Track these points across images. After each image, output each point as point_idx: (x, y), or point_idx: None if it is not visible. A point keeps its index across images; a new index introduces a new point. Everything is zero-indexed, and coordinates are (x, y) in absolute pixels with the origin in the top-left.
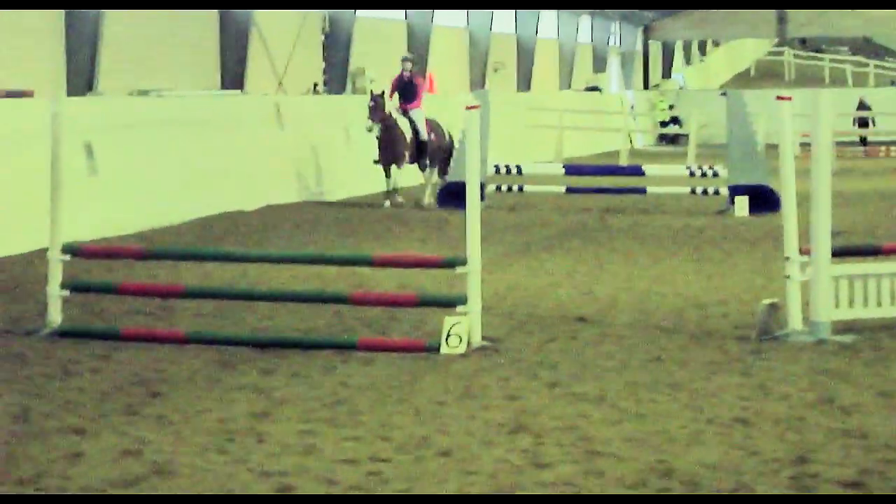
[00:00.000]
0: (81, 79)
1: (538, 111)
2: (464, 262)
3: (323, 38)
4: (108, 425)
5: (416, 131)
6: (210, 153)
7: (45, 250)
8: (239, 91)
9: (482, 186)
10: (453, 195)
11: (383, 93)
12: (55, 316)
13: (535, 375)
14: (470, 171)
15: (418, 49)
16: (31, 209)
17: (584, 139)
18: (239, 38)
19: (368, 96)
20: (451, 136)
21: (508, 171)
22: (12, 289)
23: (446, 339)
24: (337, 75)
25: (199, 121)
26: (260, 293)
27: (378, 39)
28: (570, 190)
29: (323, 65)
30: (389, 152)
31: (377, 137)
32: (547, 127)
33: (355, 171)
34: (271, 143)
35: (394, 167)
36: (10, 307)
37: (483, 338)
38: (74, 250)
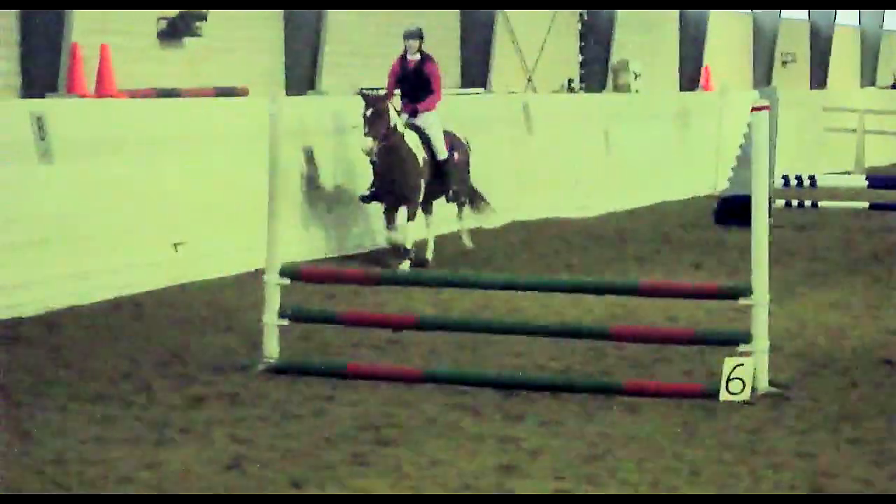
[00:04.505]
0: (301, 76)
1: (835, 112)
2: (748, 293)
3: (580, 27)
4: (333, 477)
5: (430, 148)
6: None
7: (259, 272)
8: (482, 89)
9: (769, 202)
10: (733, 212)
11: (385, 94)
12: (272, 349)
13: (834, 429)
14: (757, 183)
15: (692, 39)
16: (244, 225)
17: (891, 145)
18: (482, 29)
19: (363, 102)
20: (469, 148)
21: (800, 183)
22: (223, 317)
23: (727, 384)
24: (595, 70)
25: None
26: (505, 326)
27: (644, 28)
28: (874, 206)
29: (579, 58)
30: (393, 186)
31: (372, 162)
32: (846, 131)
33: (616, 182)
34: (518, 148)
35: (403, 211)
36: (220, 338)
37: (770, 383)
38: (294, 273)
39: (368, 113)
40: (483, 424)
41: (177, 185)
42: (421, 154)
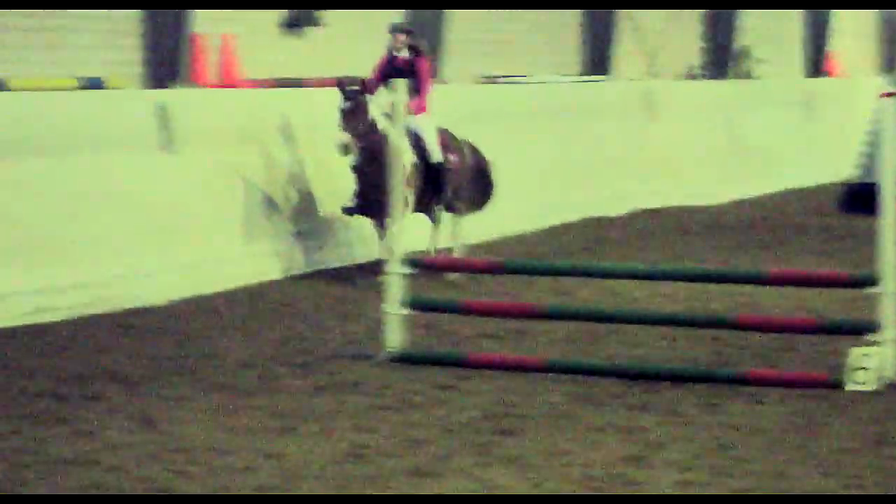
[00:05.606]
0: None
1: None
2: (875, 281)
3: (703, 11)
4: (454, 467)
5: (421, 151)
6: (568, 149)
7: (374, 263)
8: (604, 76)
9: None
10: (859, 200)
11: (364, 86)
12: (394, 338)
13: None
14: (884, 170)
15: (817, 24)
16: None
17: None
18: (604, 15)
19: (340, 95)
20: (479, 152)
21: None
22: (345, 306)
23: (853, 374)
24: (718, 56)
25: (555, 111)
26: (628, 315)
27: (770, 14)
28: None
29: (702, 44)
30: (377, 194)
31: (353, 167)
32: None
33: (741, 170)
34: (641, 136)
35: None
36: (342, 328)
37: None
38: (416, 263)
39: (345, 107)
40: (606, 415)
41: (299, 174)
42: (409, 157)
